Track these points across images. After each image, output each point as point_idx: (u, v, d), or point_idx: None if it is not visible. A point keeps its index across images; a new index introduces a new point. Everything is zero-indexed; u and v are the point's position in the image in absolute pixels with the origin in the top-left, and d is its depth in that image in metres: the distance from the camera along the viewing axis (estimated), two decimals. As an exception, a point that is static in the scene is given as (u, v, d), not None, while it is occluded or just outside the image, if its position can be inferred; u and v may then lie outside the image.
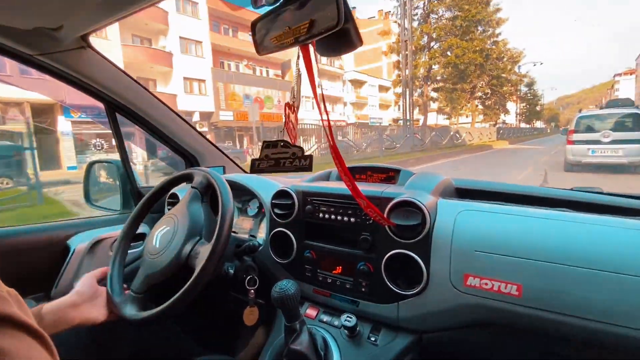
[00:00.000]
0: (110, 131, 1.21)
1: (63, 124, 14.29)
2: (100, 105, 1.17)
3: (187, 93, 18.84)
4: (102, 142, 14.45)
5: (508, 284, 0.64)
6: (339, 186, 0.91)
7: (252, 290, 0.92)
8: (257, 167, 0.67)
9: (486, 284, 0.66)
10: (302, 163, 0.64)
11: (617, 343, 0.58)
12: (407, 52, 15.77)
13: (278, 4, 0.63)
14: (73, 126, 14.58)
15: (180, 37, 18.57)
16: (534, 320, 0.63)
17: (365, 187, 0.88)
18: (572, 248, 0.62)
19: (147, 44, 18.38)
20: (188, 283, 0.71)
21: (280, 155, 0.66)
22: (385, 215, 0.76)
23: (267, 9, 0.65)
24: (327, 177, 1.05)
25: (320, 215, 0.89)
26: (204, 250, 0.75)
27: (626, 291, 0.56)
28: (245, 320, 1.00)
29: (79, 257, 1.08)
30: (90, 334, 1.08)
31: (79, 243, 1.08)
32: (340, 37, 0.64)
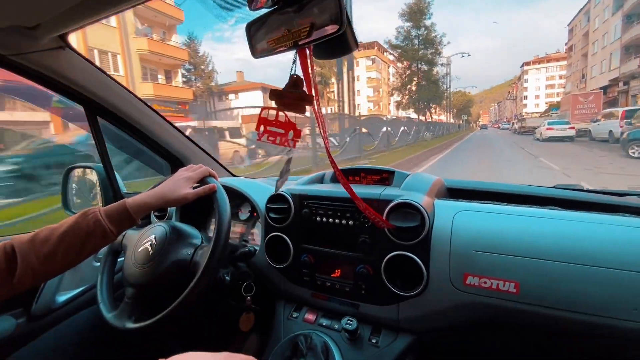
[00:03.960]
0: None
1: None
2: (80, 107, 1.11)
3: None
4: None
5: (506, 281, 0.66)
6: (335, 189, 0.91)
7: (249, 297, 0.91)
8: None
9: (485, 282, 0.67)
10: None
11: (611, 335, 0.61)
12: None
13: (276, 6, 0.62)
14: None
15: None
16: (532, 317, 0.65)
17: (362, 190, 0.88)
18: (564, 245, 0.64)
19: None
20: (191, 284, 0.69)
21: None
22: (384, 217, 0.76)
23: (264, 11, 0.64)
24: (321, 180, 1.05)
25: (317, 218, 0.88)
26: (205, 251, 0.73)
27: (615, 285, 0.60)
28: (241, 326, 0.98)
29: None
30: (78, 344, 1.04)
31: (60, 254, 1.02)
32: (337, 40, 0.64)
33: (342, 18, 0.55)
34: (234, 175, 1.51)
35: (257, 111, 0.69)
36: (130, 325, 0.75)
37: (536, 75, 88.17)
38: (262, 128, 0.67)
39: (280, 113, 0.68)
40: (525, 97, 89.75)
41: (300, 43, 0.60)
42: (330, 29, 0.57)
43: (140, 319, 0.76)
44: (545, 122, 17.44)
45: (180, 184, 0.75)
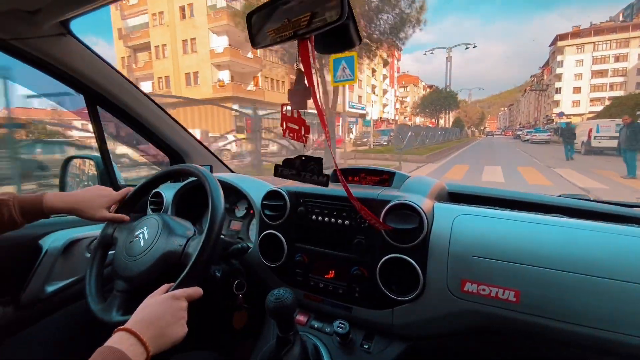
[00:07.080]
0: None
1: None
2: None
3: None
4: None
5: (506, 290, 0.63)
6: (333, 187, 0.88)
7: (240, 295, 0.88)
8: (279, 172, 0.70)
9: (484, 290, 0.64)
10: (319, 179, 0.66)
11: (618, 351, 0.58)
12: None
13: (278, -5, 0.60)
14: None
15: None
16: (531, 327, 0.62)
17: (360, 190, 0.85)
18: (568, 254, 0.61)
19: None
20: (182, 274, 0.66)
21: (300, 168, 0.68)
22: (381, 219, 0.74)
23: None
24: None
25: (313, 217, 0.86)
26: (197, 242, 0.72)
27: (623, 298, 0.56)
28: (234, 324, 0.96)
29: (52, 258, 1.00)
30: (68, 337, 1.02)
31: (51, 243, 1.01)
32: (340, 34, 0.62)
33: (343, 8, 0.54)
34: (233, 172, 1.49)
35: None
36: (119, 317, 0.73)
37: (577, 55, 51.38)
38: (284, 125, 0.67)
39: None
40: (558, 91, 53.14)
41: (299, 33, 0.59)
42: (332, 18, 0.55)
43: (129, 311, 0.74)
44: None
45: (99, 201, 0.77)
